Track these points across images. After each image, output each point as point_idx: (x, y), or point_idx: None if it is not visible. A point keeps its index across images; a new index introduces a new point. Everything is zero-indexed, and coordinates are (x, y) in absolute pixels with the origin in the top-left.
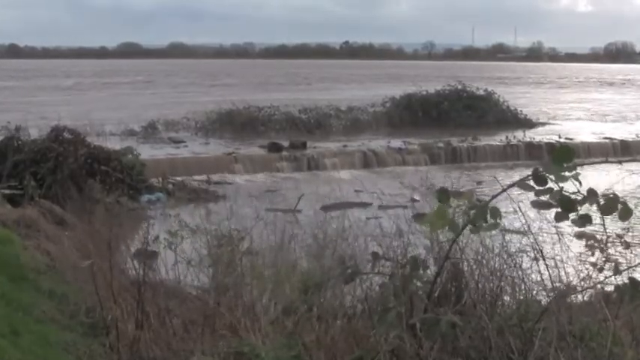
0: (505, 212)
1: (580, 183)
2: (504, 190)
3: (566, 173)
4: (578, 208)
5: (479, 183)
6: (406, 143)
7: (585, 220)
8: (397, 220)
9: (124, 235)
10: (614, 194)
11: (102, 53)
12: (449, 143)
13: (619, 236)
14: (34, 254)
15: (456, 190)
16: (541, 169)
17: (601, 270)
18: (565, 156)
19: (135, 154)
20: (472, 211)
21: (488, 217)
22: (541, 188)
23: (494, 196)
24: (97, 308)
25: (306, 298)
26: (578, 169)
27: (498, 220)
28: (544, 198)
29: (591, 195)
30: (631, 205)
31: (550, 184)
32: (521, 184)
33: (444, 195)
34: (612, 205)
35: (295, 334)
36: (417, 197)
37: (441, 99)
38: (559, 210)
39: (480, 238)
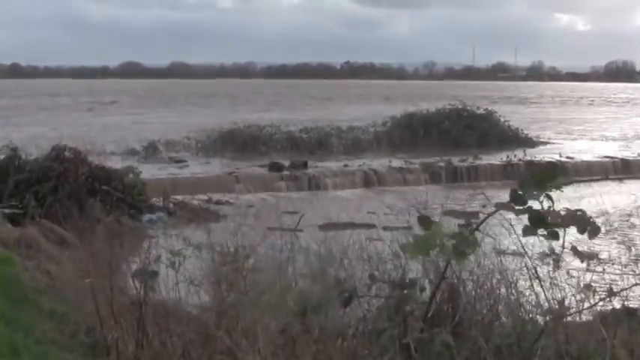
0: (500, 232)
1: (552, 202)
2: (488, 217)
3: (541, 192)
4: (548, 223)
5: (483, 206)
6: (407, 163)
7: (553, 235)
8: (397, 241)
9: (125, 254)
10: (583, 212)
11: (103, 72)
12: (450, 162)
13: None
14: (34, 274)
15: (462, 211)
16: (519, 190)
17: (595, 292)
18: (547, 176)
19: (136, 174)
20: (453, 240)
21: (471, 243)
22: (520, 208)
23: (479, 224)
24: (98, 328)
25: (304, 319)
26: (574, 187)
27: (470, 250)
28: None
29: (555, 213)
30: (599, 224)
31: (530, 203)
32: (502, 205)
33: (426, 222)
34: (582, 223)
35: (294, 355)
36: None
37: (441, 118)
38: (527, 225)
39: (477, 258)
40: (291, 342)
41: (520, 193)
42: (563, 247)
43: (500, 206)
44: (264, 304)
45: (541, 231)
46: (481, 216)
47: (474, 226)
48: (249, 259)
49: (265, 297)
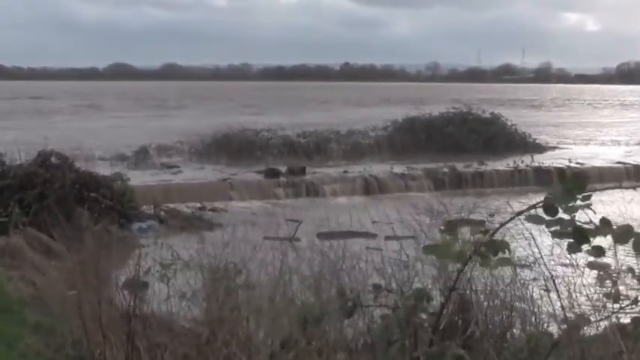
0: (515, 238)
1: (594, 212)
2: (511, 220)
3: (578, 203)
4: (591, 238)
5: (491, 215)
6: (409, 169)
7: (599, 251)
8: (402, 250)
9: (114, 265)
10: (629, 224)
11: (92, 74)
12: (454, 168)
13: (630, 270)
14: (18, 285)
15: (468, 219)
16: (550, 198)
17: (616, 300)
18: (577, 184)
19: (125, 180)
20: (478, 243)
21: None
22: (551, 219)
23: (500, 226)
24: (85, 342)
25: (306, 331)
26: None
27: (507, 255)
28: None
29: (605, 225)
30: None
31: (561, 214)
32: (530, 216)
33: (450, 225)
34: (626, 235)
35: None
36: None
37: (445, 122)
38: (571, 241)
39: (489, 267)
40: (293, 355)
41: (553, 202)
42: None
43: (531, 219)
44: (261, 317)
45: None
46: (488, 225)
47: (492, 231)
48: (240, 275)
49: (262, 310)
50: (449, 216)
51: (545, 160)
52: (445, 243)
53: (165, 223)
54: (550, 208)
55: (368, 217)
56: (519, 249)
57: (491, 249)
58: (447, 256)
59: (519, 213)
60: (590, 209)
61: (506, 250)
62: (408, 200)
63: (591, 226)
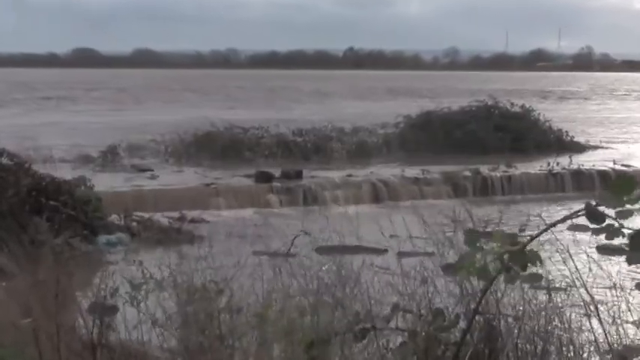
0: (549, 257)
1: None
2: (544, 231)
3: (628, 207)
4: None
5: (522, 230)
6: (425, 172)
7: None
8: (420, 268)
9: (76, 286)
10: None
11: (50, 61)
12: (477, 172)
13: None
14: None
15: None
16: (595, 203)
17: None
18: (625, 186)
19: (90, 186)
20: (506, 256)
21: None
22: (597, 227)
23: (532, 238)
24: None
25: (310, 356)
26: None
27: (540, 270)
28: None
29: None
30: None
31: (608, 221)
32: (573, 224)
33: (472, 236)
34: None
35: None
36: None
37: (467, 118)
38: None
39: (521, 288)
40: None
41: (599, 208)
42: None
43: (574, 228)
44: (249, 345)
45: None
46: (519, 239)
47: (522, 243)
48: (221, 295)
49: (249, 336)
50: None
51: (586, 161)
52: (468, 256)
53: (138, 235)
54: (595, 214)
55: (376, 229)
56: (552, 268)
57: (520, 262)
58: (468, 272)
59: (554, 223)
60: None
61: (538, 264)
62: (424, 209)
63: None
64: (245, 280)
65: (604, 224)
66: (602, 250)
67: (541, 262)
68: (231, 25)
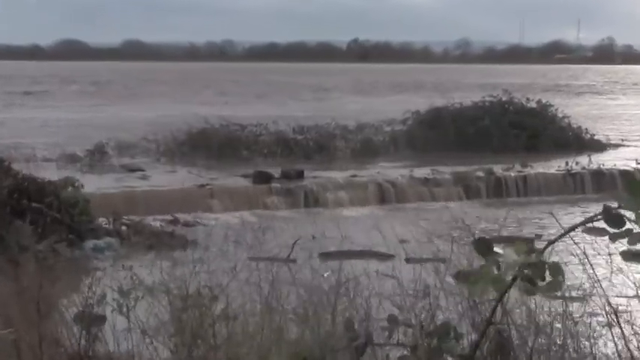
0: (566, 262)
1: None
2: (562, 237)
3: None
4: None
5: (538, 236)
6: (434, 172)
7: None
8: (428, 275)
9: (61, 294)
10: None
11: (33, 53)
12: (491, 172)
13: None
14: None
15: (515, 237)
16: (615, 206)
17: None
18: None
19: (77, 187)
20: (522, 266)
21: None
22: (617, 231)
23: (549, 243)
24: None
25: None
26: None
27: (560, 278)
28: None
29: None
30: None
31: (629, 225)
32: (590, 228)
33: (482, 247)
34: None
35: None
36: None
37: (479, 114)
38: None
39: (534, 297)
40: None
41: (617, 211)
42: None
43: (592, 231)
44: (245, 356)
45: None
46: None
47: (538, 250)
48: (216, 302)
49: (244, 348)
50: (479, 234)
51: (607, 161)
52: (484, 269)
53: (128, 240)
54: (614, 217)
55: (383, 233)
56: (569, 274)
57: (538, 274)
58: (478, 286)
59: (572, 228)
60: None
61: (559, 275)
62: (434, 212)
63: None
64: (241, 287)
65: (623, 228)
66: (627, 255)
67: (563, 275)
68: (228, 14)
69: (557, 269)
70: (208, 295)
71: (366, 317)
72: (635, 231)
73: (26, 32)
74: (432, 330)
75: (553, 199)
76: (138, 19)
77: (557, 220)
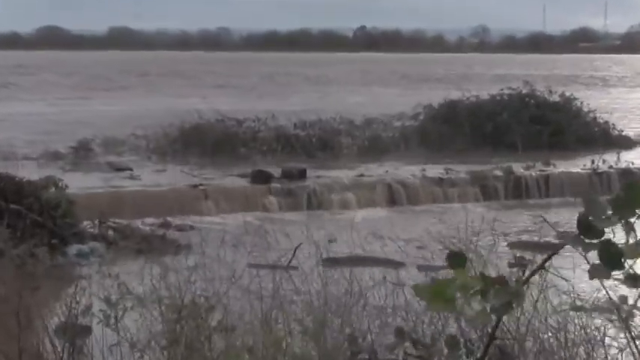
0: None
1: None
2: (548, 259)
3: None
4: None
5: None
6: (448, 171)
7: (634, 280)
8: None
9: (42, 303)
10: None
11: (12, 41)
12: (510, 171)
13: None
14: None
15: (534, 242)
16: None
17: None
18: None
19: (60, 187)
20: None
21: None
22: (592, 242)
23: (528, 277)
24: None
25: None
26: None
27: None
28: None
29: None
30: None
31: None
32: (572, 239)
33: (456, 260)
34: None
35: None
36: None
37: (497, 108)
38: (595, 263)
39: (546, 311)
40: None
41: (589, 220)
42: None
43: (571, 240)
44: None
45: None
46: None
47: (527, 270)
48: (213, 312)
49: None
50: (502, 239)
51: (636, 159)
52: (436, 286)
53: (115, 245)
54: (587, 227)
55: (392, 238)
56: (582, 285)
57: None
58: (436, 304)
59: (568, 242)
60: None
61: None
62: (448, 215)
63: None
64: (239, 296)
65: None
66: (595, 272)
67: (522, 301)
68: (223, 0)
69: (518, 295)
70: (205, 305)
71: (371, 330)
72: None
73: (3, 19)
74: (439, 346)
75: (578, 201)
76: (125, 4)
77: (553, 227)
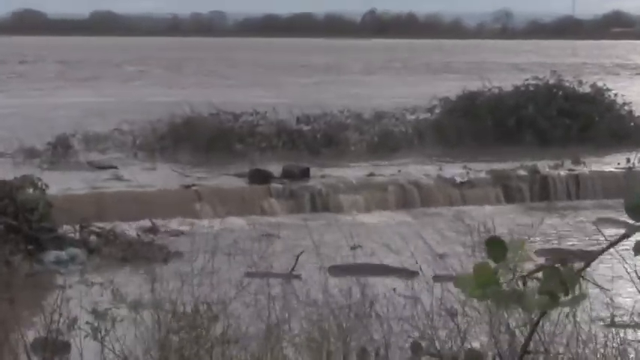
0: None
1: None
2: (599, 256)
3: None
4: None
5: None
6: (467, 170)
7: None
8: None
9: (18, 315)
10: None
11: None
12: (536, 170)
13: None
14: None
15: (568, 250)
16: None
17: None
18: None
19: (40, 188)
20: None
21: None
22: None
23: (584, 266)
24: None
25: None
26: None
27: (583, 291)
28: None
29: None
30: None
31: None
32: (604, 219)
33: (496, 247)
34: None
35: None
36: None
37: (522, 100)
38: None
39: (576, 323)
40: None
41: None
42: None
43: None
44: None
45: None
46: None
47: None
48: (215, 322)
49: None
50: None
51: None
52: (478, 270)
53: (98, 252)
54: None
55: (405, 244)
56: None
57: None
58: (476, 292)
59: (614, 242)
60: None
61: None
62: (467, 218)
63: None
64: (238, 308)
65: None
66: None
67: (581, 287)
68: None
69: (572, 279)
70: (207, 314)
71: (384, 345)
72: None
73: None
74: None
75: (611, 203)
76: None
77: (601, 233)
